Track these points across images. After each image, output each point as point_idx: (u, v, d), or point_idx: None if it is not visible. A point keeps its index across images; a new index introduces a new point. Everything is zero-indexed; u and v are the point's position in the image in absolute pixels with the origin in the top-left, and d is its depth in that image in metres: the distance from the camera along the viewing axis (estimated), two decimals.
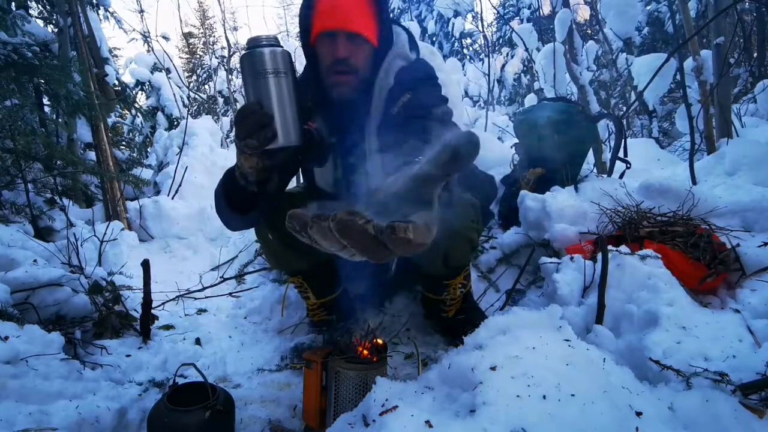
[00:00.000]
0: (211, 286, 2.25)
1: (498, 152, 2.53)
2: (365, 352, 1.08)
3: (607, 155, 2.93)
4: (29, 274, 1.52)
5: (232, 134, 11.39)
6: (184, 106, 8.18)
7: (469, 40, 12.70)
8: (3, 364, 1.12)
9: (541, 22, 5.49)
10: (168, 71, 8.20)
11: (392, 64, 1.25)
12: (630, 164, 2.17)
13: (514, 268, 1.83)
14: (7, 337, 1.19)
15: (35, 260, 1.73)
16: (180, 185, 4.96)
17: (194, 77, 14.59)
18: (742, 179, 2.49)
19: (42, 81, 2.78)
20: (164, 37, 8.15)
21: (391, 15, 1.31)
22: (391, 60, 1.25)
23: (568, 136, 2.00)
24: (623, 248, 1.37)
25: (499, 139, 4.56)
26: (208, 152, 5.55)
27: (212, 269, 3.02)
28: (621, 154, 2.17)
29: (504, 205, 2.16)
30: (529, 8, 9.85)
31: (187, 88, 8.65)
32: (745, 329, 1.14)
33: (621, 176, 2.14)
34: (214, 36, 19.48)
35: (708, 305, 1.35)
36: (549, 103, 2.25)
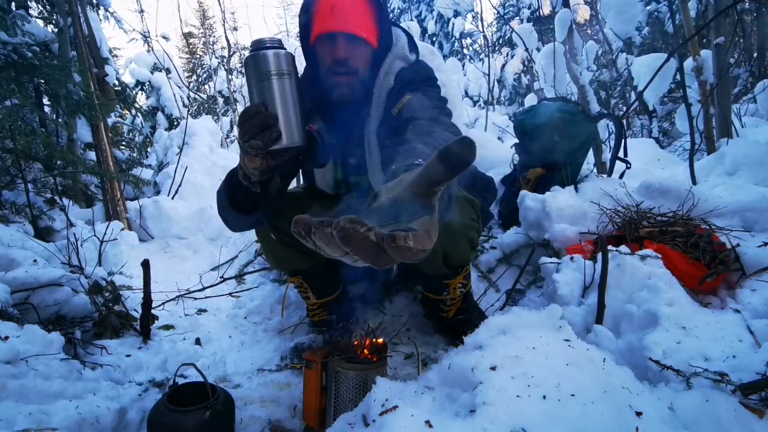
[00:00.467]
0: (211, 286, 2.25)
1: (498, 152, 2.53)
2: (365, 352, 1.09)
3: (607, 155, 2.92)
4: (29, 274, 1.52)
5: (233, 134, 11.42)
6: (184, 106, 8.18)
7: (469, 40, 12.71)
8: (3, 364, 1.12)
9: (541, 22, 5.50)
10: (168, 71, 8.21)
11: (392, 65, 1.26)
12: (630, 164, 2.17)
13: (514, 268, 1.83)
14: (7, 337, 1.19)
15: (35, 260, 1.73)
16: (180, 185, 4.96)
17: (194, 77, 14.59)
18: (742, 179, 2.49)
19: (42, 81, 2.79)
20: (164, 37, 8.15)
21: (391, 15, 1.42)
22: (391, 61, 1.26)
23: (568, 136, 2.00)
24: (623, 248, 1.37)
25: (499, 139, 4.56)
26: (208, 152, 5.55)
27: (212, 269, 3.03)
28: (621, 154, 2.17)
29: (504, 205, 2.16)
30: (529, 8, 9.85)
31: (187, 88, 8.65)
32: (745, 329, 1.14)
33: (621, 176, 2.14)
34: (214, 36, 19.50)
35: (708, 305, 1.35)
36: (549, 103, 2.25)
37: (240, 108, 10.50)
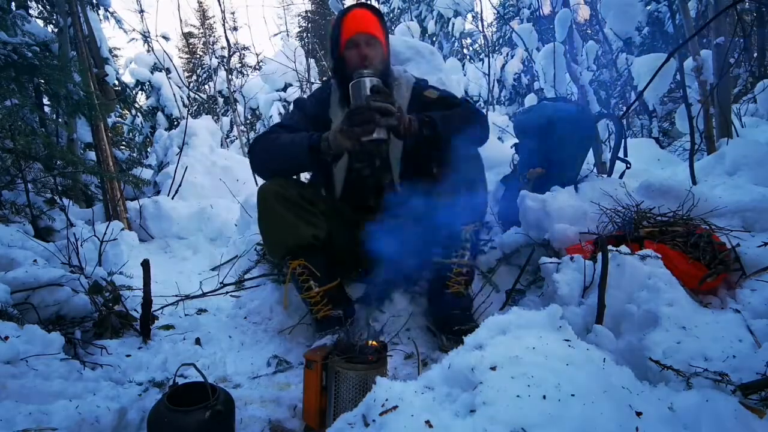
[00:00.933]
0: (212, 291, 2.25)
1: (498, 152, 2.53)
2: (371, 357, 1.08)
3: (607, 155, 2.92)
4: (29, 274, 1.52)
5: (233, 134, 11.42)
6: (184, 106, 8.18)
7: (469, 40, 12.70)
8: (3, 364, 1.12)
9: (541, 22, 5.50)
10: (168, 71, 8.21)
11: (399, 71, 1.73)
12: (630, 164, 2.17)
13: (514, 268, 1.83)
14: (7, 337, 1.19)
15: (35, 260, 1.73)
16: (180, 185, 4.97)
17: (194, 77, 14.59)
18: (742, 179, 2.49)
19: (42, 81, 2.79)
20: (164, 37, 8.16)
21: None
22: (400, 71, 1.75)
23: (568, 136, 2.00)
24: (623, 248, 1.37)
25: (499, 139, 4.56)
26: (208, 152, 5.55)
27: (212, 269, 3.03)
28: (621, 154, 2.17)
29: (504, 205, 2.16)
30: (529, 8, 9.84)
31: (187, 88, 8.65)
32: (745, 329, 1.14)
33: (621, 176, 2.14)
34: (214, 36, 19.50)
35: (708, 305, 1.35)
36: (549, 103, 2.24)
37: (240, 108, 10.50)
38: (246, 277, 2.21)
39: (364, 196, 1.74)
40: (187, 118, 5.80)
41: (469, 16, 11.49)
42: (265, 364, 1.56)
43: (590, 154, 2.60)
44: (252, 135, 10.39)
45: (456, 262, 1.51)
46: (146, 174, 5.25)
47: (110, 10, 5.41)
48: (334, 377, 1.08)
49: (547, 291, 1.49)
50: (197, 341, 1.70)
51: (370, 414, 0.81)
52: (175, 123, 7.74)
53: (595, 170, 2.62)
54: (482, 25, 8.65)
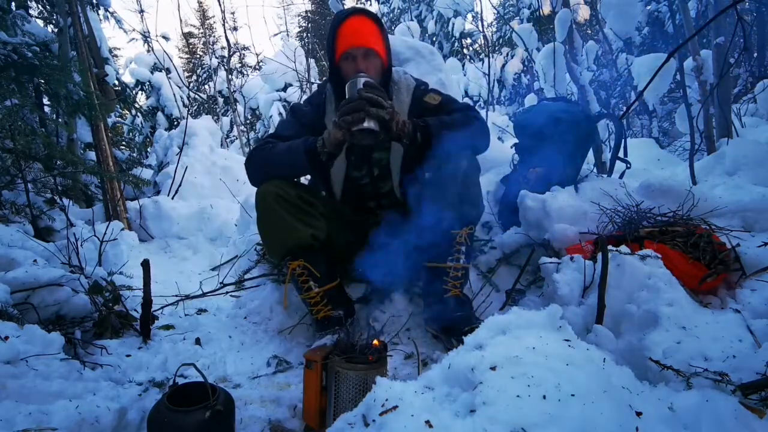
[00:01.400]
0: (212, 291, 2.25)
1: (498, 152, 2.53)
2: (371, 357, 1.08)
3: (607, 155, 2.92)
4: (29, 274, 1.52)
5: (233, 134, 11.42)
6: (184, 106, 8.18)
7: (469, 40, 12.70)
8: (3, 364, 1.12)
9: (541, 22, 5.50)
10: (168, 71, 8.21)
11: (399, 72, 1.72)
12: (630, 164, 2.17)
13: (514, 268, 1.83)
14: (7, 337, 1.19)
15: (35, 260, 1.73)
16: (180, 185, 4.97)
17: (194, 77, 14.59)
18: (742, 179, 2.50)
19: (42, 81, 2.79)
20: (164, 37, 8.16)
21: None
22: (398, 73, 1.72)
23: (568, 136, 2.00)
24: (623, 248, 1.37)
25: (499, 139, 4.57)
26: (208, 152, 5.55)
27: (212, 269, 3.03)
28: (621, 154, 2.17)
29: (504, 205, 2.16)
30: (529, 8, 9.84)
31: (187, 88, 8.65)
32: (745, 329, 1.14)
33: (621, 176, 2.14)
34: (214, 36, 19.51)
35: (708, 305, 1.35)
36: (549, 103, 2.24)
37: (240, 108, 10.50)
38: (246, 277, 2.21)
39: (363, 200, 1.75)
40: (187, 118, 5.80)
41: (469, 16, 11.50)
42: (265, 364, 1.56)
43: (590, 154, 2.60)
44: (252, 135, 10.40)
45: (452, 266, 1.51)
46: (146, 174, 5.25)
47: (110, 10, 5.41)
48: (334, 377, 1.08)
49: (547, 291, 1.49)
50: (197, 341, 1.70)
51: (370, 414, 0.81)
52: (175, 123, 7.74)
53: (595, 170, 2.62)
54: (482, 25, 8.64)
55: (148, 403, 1.18)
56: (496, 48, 11.57)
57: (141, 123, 7.92)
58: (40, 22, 4.54)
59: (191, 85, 11.39)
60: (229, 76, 10.13)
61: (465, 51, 12.55)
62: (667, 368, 0.99)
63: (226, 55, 10.39)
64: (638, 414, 0.76)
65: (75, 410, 1.06)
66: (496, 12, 10.49)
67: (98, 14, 5.31)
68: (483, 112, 6.02)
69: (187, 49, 19.17)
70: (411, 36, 5.75)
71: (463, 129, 1.53)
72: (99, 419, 1.07)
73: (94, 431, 1.06)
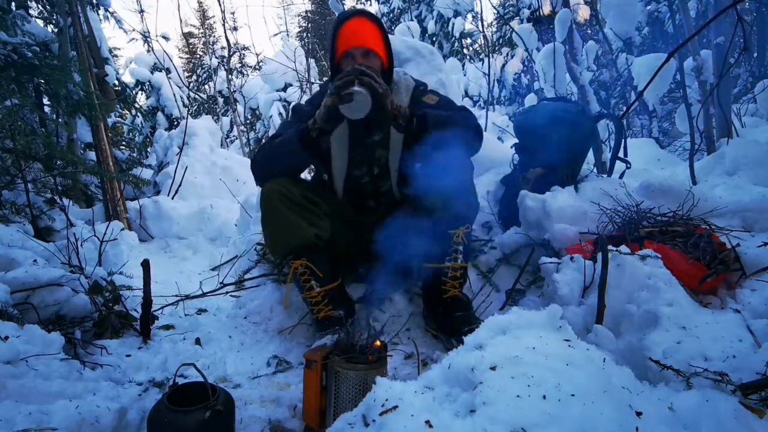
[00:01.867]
0: (212, 291, 2.25)
1: (498, 152, 2.53)
2: (371, 357, 1.08)
3: (607, 155, 2.93)
4: (29, 274, 1.52)
5: (233, 134, 11.41)
6: (184, 106, 8.18)
7: (469, 40, 12.69)
8: (3, 364, 1.12)
9: (541, 22, 5.50)
10: (168, 71, 8.21)
11: (399, 73, 1.73)
12: (630, 164, 2.17)
13: (514, 268, 1.83)
14: (7, 337, 1.19)
15: (35, 260, 1.73)
16: (180, 185, 4.97)
17: (194, 77, 14.59)
18: (742, 179, 2.50)
19: (42, 81, 2.79)
20: (164, 37, 8.16)
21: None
22: (398, 74, 1.72)
23: (568, 136, 2.00)
24: (623, 248, 1.37)
25: (499, 139, 4.56)
26: (208, 152, 5.55)
27: (212, 269, 3.03)
28: (621, 154, 2.17)
29: (504, 205, 2.16)
30: (529, 8, 9.84)
31: (187, 88, 8.65)
32: (745, 329, 1.14)
33: (621, 176, 2.14)
34: (214, 36, 19.51)
35: (708, 305, 1.35)
36: (549, 103, 2.24)
37: (240, 108, 10.50)
38: (246, 277, 2.21)
39: (363, 199, 1.76)
40: (187, 118, 5.79)
41: (469, 16, 11.49)
42: (265, 364, 1.56)
43: (590, 154, 2.60)
44: (252, 135, 10.40)
45: (449, 266, 1.51)
46: (146, 174, 5.25)
47: (110, 10, 5.41)
48: (334, 377, 1.08)
49: (547, 291, 1.49)
50: (197, 341, 1.70)
51: (370, 414, 0.81)
52: (175, 123, 7.74)
53: (595, 170, 2.62)
54: (482, 25, 8.65)
55: (148, 403, 1.18)
56: (496, 48, 11.57)
57: (141, 123, 7.92)
58: (40, 22, 4.54)
59: (191, 85, 11.39)
60: (229, 76, 10.13)
61: (465, 51, 12.54)
62: (667, 368, 0.99)
63: (226, 55, 10.40)
64: (638, 414, 0.76)
65: (75, 410, 1.06)
66: (496, 12, 10.49)
67: (98, 14, 5.31)
68: (483, 112, 6.04)
69: (187, 49, 19.17)
70: (411, 36, 5.75)
71: (459, 125, 1.54)
72: (99, 419, 1.07)
73: (94, 431, 1.06)
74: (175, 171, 5.05)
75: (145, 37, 8.15)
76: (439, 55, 2.86)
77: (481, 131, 1.64)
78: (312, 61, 8.85)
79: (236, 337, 1.77)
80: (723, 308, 1.33)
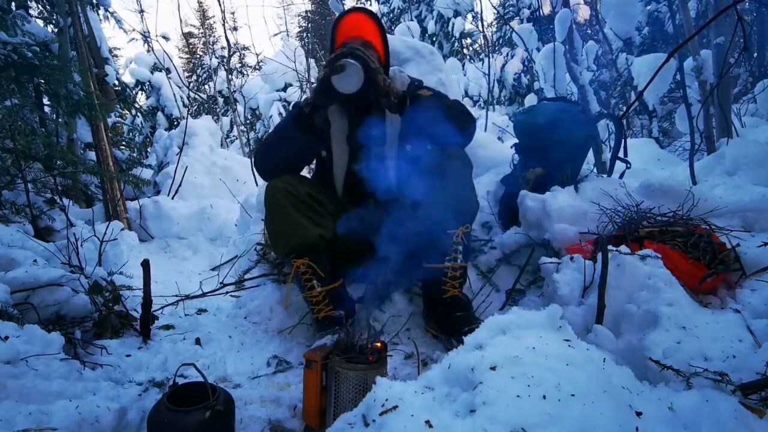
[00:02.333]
0: (212, 291, 2.25)
1: (498, 152, 2.53)
2: (371, 357, 1.08)
3: (607, 155, 2.93)
4: (29, 274, 1.52)
5: (233, 134, 11.40)
6: (184, 106, 8.18)
7: (469, 40, 12.69)
8: (3, 364, 1.12)
9: (541, 22, 5.50)
10: (168, 71, 8.21)
11: (395, 71, 1.73)
12: (630, 164, 2.17)
13: (514, 268, 1.83)
14: (7, 337, 1.19)
15: (35, 260, 1.73)
16: (180, 185, 4.97)
17: (194, 77, 14.58)
18: (742, 179, 2.50)
19: (42, 81, 2.79)
20: (164, 37, 8.15)
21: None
22: (395, 71, 1.74)
23: (568, 136, 2.00)
24: (623, 248, 1.37)
25: (499, 139, 4.56)
26: (208, 152, 5.56)
27: (212, 269, 3.03)
28: (621, 154, 2.17)
29: (504, 205, 2.16)
30: (529, 8, 9.84)
31: (187, 88, 8.65)
32: (745, 329, 1.14)
33: (621, 176, 2.14)
34: (214, 36, 19.51)
35: (708, 305, 1.35)
36: (549, 103, 2.24)
37: (240, 108, 10.50)
38: (246, 277, 2.21)
39: (363, 196, 1.75)
40: (187, 118, 5.79)
41: (469, 16, 11.49)
42: (265, 364, 1.56)
43: (590, 154, 2.60)
44: (252, 135, 10.39)
45: (449, 266, 1.51)
46: (146, 174, 5.25)
47: (110, 10, 5.41)
48: (334, 377, 1.08)
49: (547, 291, 1.49)
50: (197, 341, 1.70)
51: (370, 414, 0.81)
52: (175, 123, 7.74)
53: (595, 170, 2.62)
54: (482, 25, 8.65)
55: (148, 403, 1.18)
56: (496, 48, 11.57)
57: (141, 123, 7.92)
58: (40, 22, 4.53)
59: (191, 85, 11.39)
60: (229, 76, 10.12)
61: (465, 51, 12.54)
62: (667, 368, 0.99)
63: (226, 55, 10.38)
64: (638, 414, 0.76)
65: (75, 410, 1.06)
66: (496, 12, 10.49)
67: (98, 14, 5.31)
68: (483, 112, 6.04)
69: (187, 49, 19.17)
70: (411, 36, 5.75)
71: (452, 108, 1.59)
72: (99, 419, 1.07)
73: (94, 431, 1.06)
74: (175, 171, 5.05)
75: (145, 37, 8.14)
76: (439, 55, 2.86)
77: (473, 118, 1.67)
78: (312, 61, 8.85)
79: (236, 337, 1.77)
80: (723, 308, 1.33)
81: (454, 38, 11.61)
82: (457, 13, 11.35)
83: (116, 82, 5.93)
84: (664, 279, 1.25)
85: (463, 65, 10.90)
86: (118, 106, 5.65)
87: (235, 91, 10.21)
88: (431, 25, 11.73)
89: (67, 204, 3.35)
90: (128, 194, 4.54)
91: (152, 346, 1.61)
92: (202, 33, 20.11)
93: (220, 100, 11.45)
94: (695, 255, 1.44)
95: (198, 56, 18.01)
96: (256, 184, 4.92)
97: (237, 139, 9.85)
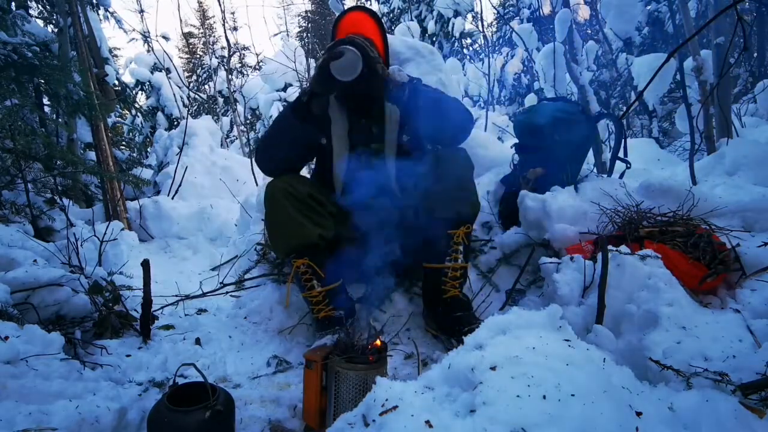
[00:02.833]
0: (212, 291, 2.25)
1: (498, 152, 2.53)
2: (371, 357, 1.08)
3: (607, 155, 2.93)
4: (29, 274, 1.52)
5: (233, 134, 11.40)
6: (184, 106, 8.18)
7: (469, 40, 12.69)
8: (3, 364, 1.12)
9: (541, 22, 5.50)
10: (168, 71, 8.21)
11: (394, 70, 1.70)
12: (630, 164, 2.17)
13: (514, 268, 1.83)
14: (7, 337, 1.19)
15: (35, 260, 1.73)
16: (180, 185, 4.97)
17: (194, 77, 14.58)
18: (742, 179, 2.50)
19: (42, 81, 2.79)
20: (164, 37, 8.15)
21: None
22: (395, 69, 1.71)
23: (568, 136, 2.00)
24: (623, 248, 1.37)
25: (499, 139, 4.56)
26: (208, 152, 5.56)
27: (212, 269, 3.03)
28: (621, 154, 2.17)
29: (504, 205, 2.16)
30: (529, 8, 9.84)
31: (187, 88, 8.65)
32: (745, 329, 1.14)
33: (621, 176, 2.14)
34: (214, 36, 19.50)
35: (708, 305, 1.35)
36: (549, 103, 2.24)
37: (240, 108, 10.50)
38: (246, 277, 2.21)
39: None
40: (187, 118, 5.79)
41: (469, 16, 11.48)
42: (265, 364, 1.56)
43: (590, 154, 2.60)
44: (252, 135, 10.39)
45: (450, 266, 1.51)
46: (146, 174, 5.25)
47: (110, 10, 5.41)
48: (334, 377, 1.08)
49: (547, 291, 1.49)
50: (197, 341, 1.70)
51: (370, 414, 0.81)
52: (175, 123, 7.74)
53: (595, 170, 2.62)
54: (482, 25, 8.66)
55: (148, 403, 1.18)
56: (496, 48, 11.56)
57: (141, 123, 7.92)
58: (40, 22, 4.54)
59: (191, 85, 11.39)
60: (229, 76, 10.11)
61: (465, 51, 12.54)
62: (667, 368, 0.99)
63: (226, 55, 10.38)
64: (638, 414, 0.76)
65: (75, 410, 1.06)
66: (496, 12, 10.49)
67: (98, 14, 5.31)
68: (483, 112, 6.04)
69: (187, 49, 19.16)
70: (411, 36, 5.75)
71: (449, 104, 1.61)
72: (99, 419, 1.07)
73: (94, 431, 1.06)
74: (175, 171, 5.05)
75: (145, 37, 8.14)
76: (439, 55, 2.86)
77: (468, 112, 1.69)
78: (312, 61, 8.85)
79: (236, 337, 1.77)
80: (723, 308, 1.33)
81: (454, 38, 11.60)
82: (457, 13, 11.34)
83: (116, 82, 5.93)
84: (664, 279, 1.25)
85: (463, 65, 10.89)
86: (118, 106, 5.65)
87: (235, 91, 10.20)
88: (431, 25, 11.72)
89: (67, 204, 3.35)
90: (128, 194, 4.54)
91: (152, 346, 1.61)
92: (202, 33, 20.11)
93: (220, 100, 11.45)
94: (695, 255, 1.44)
95: (198, 56, 18.01)
96: (256, 184, 4.92)
97: (237, 139, 9.85)
